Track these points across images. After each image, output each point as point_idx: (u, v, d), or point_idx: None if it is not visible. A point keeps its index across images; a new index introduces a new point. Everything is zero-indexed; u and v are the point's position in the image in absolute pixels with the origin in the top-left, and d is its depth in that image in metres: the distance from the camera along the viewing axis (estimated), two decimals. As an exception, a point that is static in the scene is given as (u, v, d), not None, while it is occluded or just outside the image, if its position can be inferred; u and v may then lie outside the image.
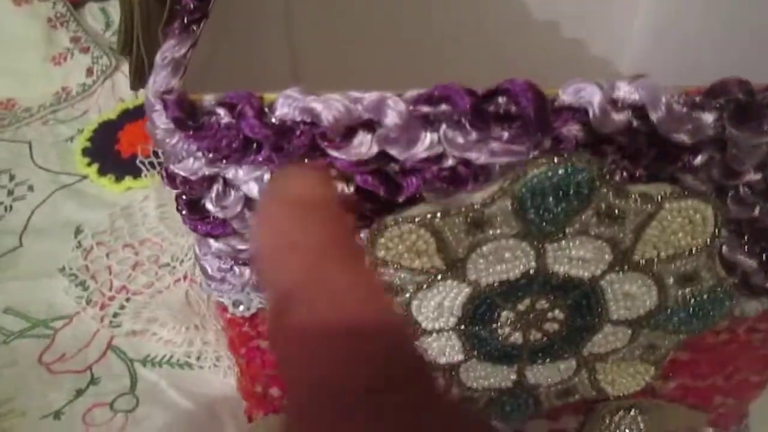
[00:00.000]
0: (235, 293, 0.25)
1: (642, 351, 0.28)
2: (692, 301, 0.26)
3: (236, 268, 0.24)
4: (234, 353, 0.30)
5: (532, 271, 0.24)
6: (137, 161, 0.60)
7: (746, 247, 0.24)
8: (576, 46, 0.49)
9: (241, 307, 0.25)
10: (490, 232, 0.22)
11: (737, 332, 0.29)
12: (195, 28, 0.23)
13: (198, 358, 0.50)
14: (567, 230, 0.23)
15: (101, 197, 0.60)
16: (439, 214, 0.22)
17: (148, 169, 0.59)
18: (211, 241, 0.23)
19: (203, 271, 0.25)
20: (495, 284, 0.24)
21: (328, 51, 0.44)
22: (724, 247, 0.25)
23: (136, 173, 0.60)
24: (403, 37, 0.46)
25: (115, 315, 0.53)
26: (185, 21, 0.23)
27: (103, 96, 0.69)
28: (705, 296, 0.25)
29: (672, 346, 0.28)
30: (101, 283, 0.55)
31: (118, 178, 0.60)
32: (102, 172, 0.61)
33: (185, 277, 0.56)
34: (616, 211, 0.22)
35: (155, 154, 0.59)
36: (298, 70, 0.45)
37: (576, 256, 0.23)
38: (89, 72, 0.70)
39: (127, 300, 0.54)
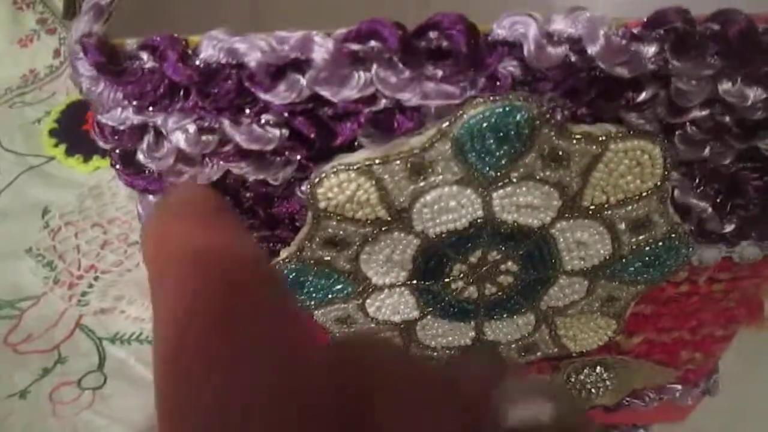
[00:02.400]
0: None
1: (601, 303, 0.28)
2: (647, 249, 0.25)
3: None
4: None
5: (480, 221, 0.23)
6: (102, 142, 0.59)
7: (699, 189, 0.24)
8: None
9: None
10: (432, 178, 0.22)
11: (697, 283, 0.29)
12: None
13: (167, 334, 0.49)
14: (512, 176, 0.22)
15: (69, 178, 0.59)
16: (377, 161, 0.21)
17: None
18: (150, 197, 0.23)
19: (145, 230, 0.24)
20: (443, 235, 0.24)
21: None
22: (677, 191, 0.24)
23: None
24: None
25: (84, 294, 0.52)
26: (113, -32, 0.22)
27: (71, 78, 0.68)
28: (660, 243, 0.25)
29: (631, 297, 0.28)
30: (69, 262, 0.54)
31: (86, 158, 0.59)
32: (70, 152, 0.60)
33: (155, 255, 0.55)
34: (560, 152, 0.22)
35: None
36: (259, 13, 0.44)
37: (523, 203, 0.23)
38: (56, 53, 0.69)
39: (96, 279, 0.53)
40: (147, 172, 0.22)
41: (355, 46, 0.19)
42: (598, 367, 0.33)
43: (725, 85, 0.21)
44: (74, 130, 0.61)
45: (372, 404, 0.15)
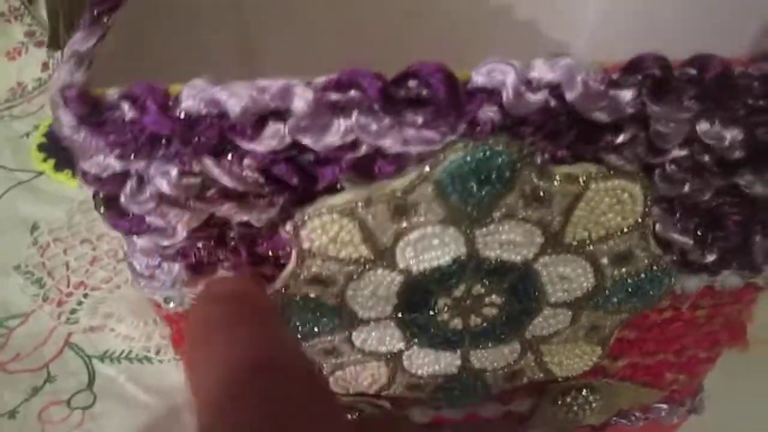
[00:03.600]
0: (165, 290, 0.25)
1: (585, 332, 0.28)
2: (629, 281, 0.25)
3: (165, 264, 0.24)
4: (178, 347, 0.29)
5: (463, 257, 0.23)
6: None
7: (679, 224, 0.24)
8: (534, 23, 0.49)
9: (173, 303, 0.25)
10: (415, 219, 0.22)
11: (681, 309, 0.29)
12: (106, 19, 0.22)
13: (157, 352, 0.49)
14: (494, 214, 0.22)
15: (58, 193, 0.59)
16: (360, 203, 0.21)
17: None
18: (135, 238, 0.23)
19: (131, 269, 0.24)
20: (427, 272, 0.24)
21: (283, 31, 0.43)
22: (657, 225, 0.24)
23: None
24: (360, 14, 0.45)
25: (73, 311, 0.52)
26: (95, 12, 0.22)
27: (49, 102, 0.68)
28: (642, 275, 0.25)
29: (615, 325, 0.28)
30: (58, 279, 0.54)
31: (75, 173, 0.59)
32: (59, 167, 0.60)
33: (145, 272, 0.55)
34: (542, 193, 0.22)
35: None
36: (254, 56, 0.44)
37: (506, 240, 0.23)
38: (45, 67, 0.69)
39: (85, 296, 0.53)
40: (131, 215, 0.22)
41: (335, 96, 0.19)
42: (585, 390, 0.33)
43: (703, 126, 0.21)
44: (63, 145, 0.61)
45: None
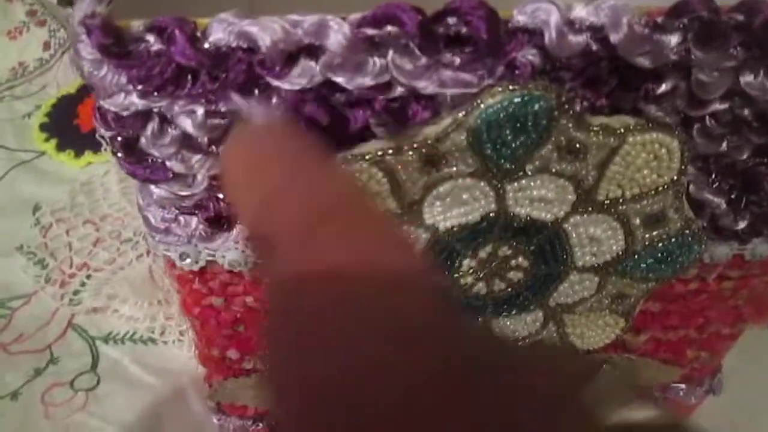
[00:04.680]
0: (181, 245, 0.24)
1: (610, 301, 0.27)
2: (660, 245, 0.25)
3: (181, 218, 0.23)
4: (188, 314, 0.28)
5: (492, 214, 0.23)
6: (97, 135, 0.58)
7: (714, 185, 0.24)
8: None
9: (188, 260, 0.24)
10: (446, 170, 0.21)
11: (707, 281, 0.28)
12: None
13: (161, 334, 0.48)
14: (527, 168, 0.21)
15: (60, 173, 0.58)
16: (391, 151, 0.20)
17: (108, 143, 0.58)
18: (152, 187, 0.22)
19: (146, 222, 0.24)
20: (454, 229, 0.23)
21: None
22: (692, 186, 0.24)
23: (96, 148, 0.58)
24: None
25: (76, 293, 0.51)
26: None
27: (61, 70, 0.67)
28: (673, 240, 0.25)
29: (641, 295, 0.27)
30: (61, 260, 0.53)
31: (78, 154, 0.58)
32: (61, 147, 0.59)
33: (148, 252, 0.54)
34: (577, 145, 0.21)
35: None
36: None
37: (537, 197, 0.22)
38: (46, 46, 0.68)
39: (88, 277, 0.52)
40: (150, 160, 0.21)
41: (371, 31, 0.18)
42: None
43: (747, 78, 0.20)
44: (65, 125, 0.60)
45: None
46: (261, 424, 0.34)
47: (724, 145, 0.22)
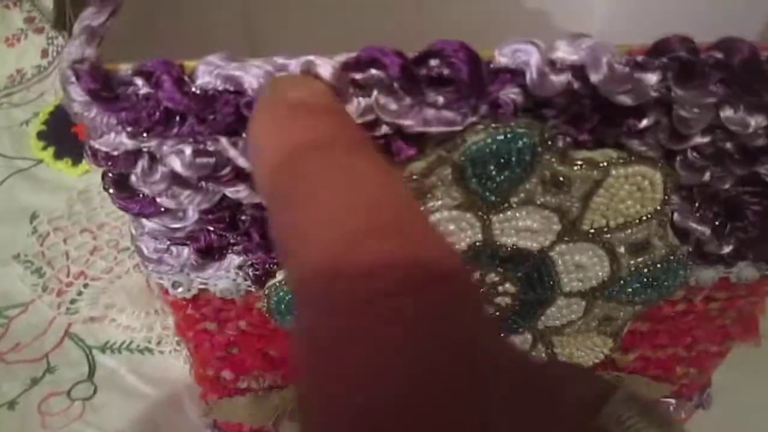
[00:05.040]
0: (173, 274, 0.24)
1: (598, 323, 0.27)
2: (645, 270, 0.25)
3: (173, 248, 0.23)
4: (182, 336, 0.29)
5: (478, 244, 0.23)
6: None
7: (698, 213, 0.24)
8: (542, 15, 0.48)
9: (180, 289, 0.24)
10: (432, 203, 0.21)
11: (694, 302, 0.28)
12: (118, -4, 0.22)
13: (158, 343, 0.49)
14: (512, 200, 0.22)
15: (58, 181, 0.59)
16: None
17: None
18: (144, 220, 0.22)
19: (139, 252, 0.24)
20: (441, 258, 0.23)
21: (288, 14, 0.43)
22: (676, 214, 0.24)
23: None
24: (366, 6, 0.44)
25: (73, 302, 0.52)
26: (107, -12, 0.21)
27: (59, 78, 0.67)
28: (658, 266, 0.25)
29: (628, 317, 0.27)
30: (58, 269, 0.53)
31: (75, 162, 0.59)
32: (58, 155, 0.59)
33: (146, 262, 0.55)
34: (561, 178, 0.21)
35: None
36: (255, 38, 0.43)
37: (523, 227, 0.23)
38: (44, 53, 0.68)
39: (85, 286, 0.53)
40: (141, 195, 0.21)
41: (355, 74, 0.18)
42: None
43: (727, 113, 0.20)
44: (63, 133, 0.60)
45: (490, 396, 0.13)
46: (256, 440, 0.35)
47: (707, 175, 0.22)
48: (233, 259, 0.24)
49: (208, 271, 0.24)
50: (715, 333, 0.31)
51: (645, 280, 0.25)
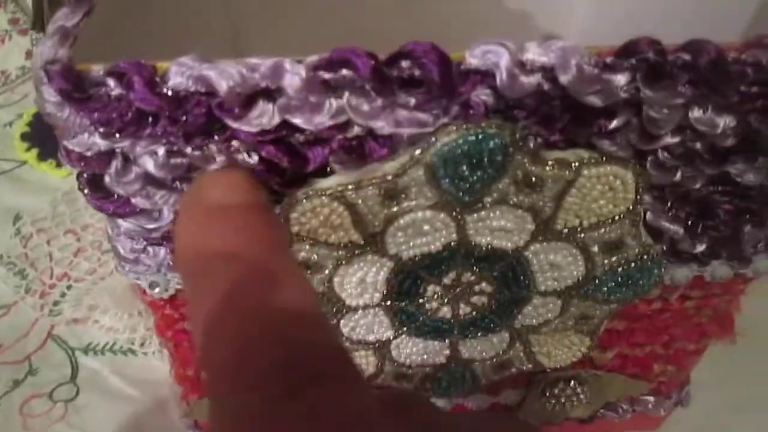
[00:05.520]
0: (150, 274, 0.24)
1: (575, 321, 0.28)
2: (620, 269, 0.25)
3: (150, 248, 0.24)
4: (162, 336, 0.29)
5: (453, 244, 0.23)
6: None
7: (670, 213, 0.24)
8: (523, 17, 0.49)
9: (158, 289, 0.25)
10: (406, 203, 0.22)
11: (669, 301, 0.29)
12: (92, -5, 0.22)
13: (142, 345, 0.49)
14: (486, 200, 0.22)
15: (42, 183, 0.58)
16: (351, 187, 0.21)
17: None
18: (120, 220, 0.22)
19: (116, 252, 0.24)
20: (417, 258, 0.23)
21: (268, 12, 0.43)
22: (649, 214, 0.24)
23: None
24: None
25: (56, 303, 0.51)
26: (81, -11, 0.21)
27: (33, 79, 0.67)
28: (632, 265, 0.25)
29: (604, 315, 0.28)
30: (41, 270, 0.53)
31: (59, 163, 0.58)
32: (42, 157, 0.59)
33: (130, 263, 0.54)
34: (534, 178, 0.22)
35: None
36: (239, 40, 0.43)
37: (497, 227, 0.23)
38: (28, 55, 0.67)
39: (69, 287, 0.52)
40: (116, 196, 0.21)
41: (326, 75, 0.18)
42: (573, 381, 0.33)
43: (696, 113, 0.21)
44: (47, 135, 0.59)
45: None
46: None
47: (678, 175, 0.23)
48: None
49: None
50: (691, 331, 0.31)
51: (620, 279, 0.26)
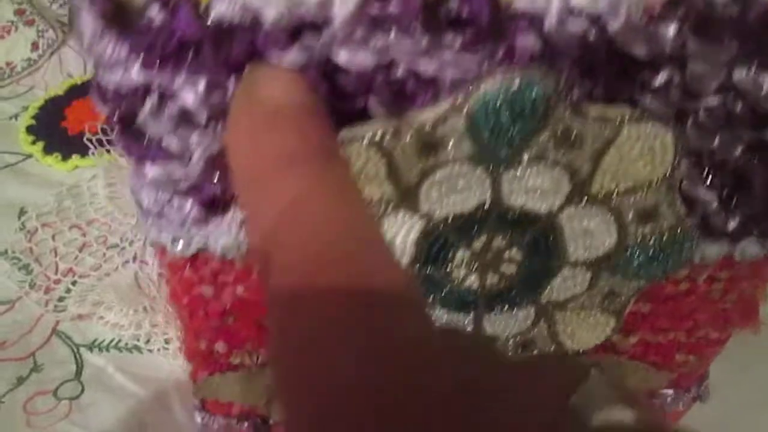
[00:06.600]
0: (173, 229, 0.24)
1: (602, 298, 0.27)
2: (652, 241, 0.25)
3: (175, 200, 0.23)
4: (176, 304, 0.28)
5: (487, 204, 0.23)
6: (84, 139, 0.57)
7: (707, 181, 0.24)
8: None
9: (180, 246, 0.24)
10: (443, 155, 0.21)
11: (697, 282, 0.28)
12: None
13: (147, 342, 0.48)
14: (523, 155, 0.22)
15: (47, 177, 0.58)
16: (389, 134, 0.20)
17: (96, 147, 0.57)
18: (148, 166, 0.22)
19: (139, 205, 0.23)
20: (449, 218, 0.23)
21: None
22: (684, 182, 0.24)
23: (84, 151, 0.57)
24: None
25: (61, 299, 0.51)
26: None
27: (49, 71, 0.66)
28: (665, 237, 0.25)
29: (632, 293, 0.27)
30: (46, 266, 0.52)
31: (65, 157, 0.58)
32: (48, 150, 0.59)
33: (135, 259, 0.54)
34: (574, 133, 0.21)
35: (103, 131, 0.57)
36: None
37: (533, 187, 0.23)
38: (34, 46, 0.67)
39: (74, 283, 0.52)
40: (146, 138, 0.21)
41: (375, 9, 0.18)
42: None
43: (740, 72, 0.21)
44: (53, 128, 0.60)
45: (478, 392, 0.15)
46: (246, 423, 0.34)
47: (717, 140, 0.23)
48: (237, 215, 0.23)
49: (210, 226, 0.23)
50: (716, 317, 0.30)
51: (651, 252, 0.25)
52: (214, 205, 0.23)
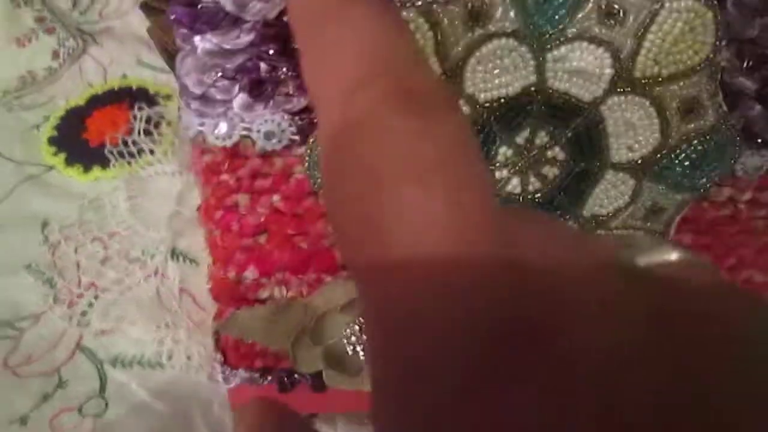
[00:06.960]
0: (216, 116, 0.24)
1: (645, 213, 0.27)
2: (695, 141, 0.25)
3: (221, 83, 0.23)
4: (209, 222, 0.27)
5: (531, 88, 0.23)
6: (105, 150, 0.57)
7: (747, 69, 0.24)
8: None
9: (223, 131, 0.24)
10: (490, 26, 0.22)
11: (739, 205, 0.28)
12: None
13: (169, 358, 0.47)
14: (567, 32, 0.22)
15: (69, 189, 0.57)
16: (438, 1, 0.21)
17: (116, 159, 0.57)
18: (197, 40, 0.22)
19: (184, 90, 0.23)
20: (493, 103, 0.23)
21: None
22: (725, 74, 0.24)
23: (105, 163, 0.57)
24: None
25: (84, 313, 0.50)
26: None
27: (70, 81, 0.65)
28: (707, 137, 0.25)
29: (675, 209, 0.27)
30: (69, 279, 0.52)
31: (87, 169, 0.58)
32: (69, 162, 0.58)
33: (156, 273, 0.53)
34: (616, 6, 0.22)
35: (124, 143, 0.57)
36: None
37: (576, 69, 0.23)
38: (55, 55, 0.65)
39: (96, 297, 0.51)
40: (201, 5, 0.21)
41: None
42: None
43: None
44: (74, 139, 0.59)
45: None
46: (270, 377, 0.33)
47: (756, 26, 0.23)
48: (281, 102, 0.23)
49: (255, 112, 0.23)
50: (760, 252, 0.30)
51: (694, 156, 0.25)
52: (261, 89, 0.23)
